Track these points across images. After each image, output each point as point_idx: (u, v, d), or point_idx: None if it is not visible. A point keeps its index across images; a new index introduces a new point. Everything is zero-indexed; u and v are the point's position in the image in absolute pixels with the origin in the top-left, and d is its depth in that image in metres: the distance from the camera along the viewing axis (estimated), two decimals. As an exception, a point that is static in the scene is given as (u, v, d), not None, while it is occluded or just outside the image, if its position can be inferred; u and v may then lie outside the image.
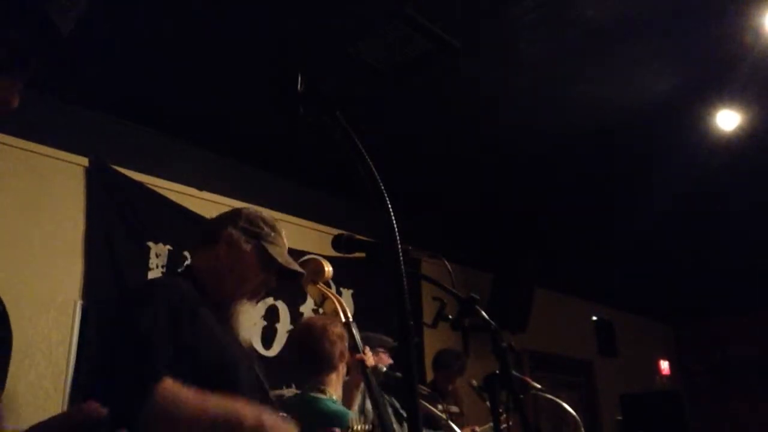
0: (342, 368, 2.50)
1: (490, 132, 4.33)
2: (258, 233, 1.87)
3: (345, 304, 2.61)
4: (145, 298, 1.64)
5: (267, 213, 1.96)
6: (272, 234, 1.90)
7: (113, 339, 1.65)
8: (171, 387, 1.44)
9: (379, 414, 2.38)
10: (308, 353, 2.46)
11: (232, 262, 1.82)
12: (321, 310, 2.72)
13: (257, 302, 1.92)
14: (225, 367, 1.65)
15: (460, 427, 3.25)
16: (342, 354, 2.47)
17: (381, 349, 3.29)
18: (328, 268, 2.64)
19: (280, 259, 1.86)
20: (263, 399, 1.75)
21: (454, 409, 4.03)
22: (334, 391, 2.45)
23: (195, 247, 1.94)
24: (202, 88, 3.65)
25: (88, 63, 3.30)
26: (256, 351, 1.82)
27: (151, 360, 1.48)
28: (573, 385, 7.35)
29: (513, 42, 3.37)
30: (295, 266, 1.91)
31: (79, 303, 3.42)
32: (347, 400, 2.56)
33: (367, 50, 3.35)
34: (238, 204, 4.30)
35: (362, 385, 2.62)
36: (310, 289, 2.67)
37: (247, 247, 1.84)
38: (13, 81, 0.92)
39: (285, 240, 1.95)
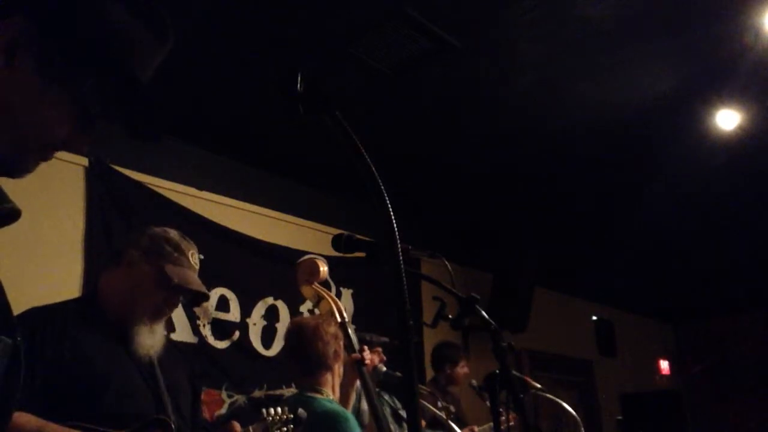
0: (338, 368, 2.49)
1: (490, 132, 4.33)
2: (159, 254, 1.90)
3: (341, 304, 2.62)
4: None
5: (175, 233, 1.99)
6: (175, 254, 1.92)
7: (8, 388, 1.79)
8: (17, 421, 1.47)
9: (375, 414, 2.38)
10: (301, 354, 2.45)
11: (131, 283, 1.87)
12: (317, 311, 2.72)
13: (162, 321, 1.96)
14: (91, 386, 1.71)
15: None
16: (336, 354, 2.45)
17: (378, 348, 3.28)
18: (323, 269, 2.64)
19: (176, 279, 1.88)
20: (156, 405, 1.81)
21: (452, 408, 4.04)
22: (331, 391, 2.44)
23: (105, 268, 1.99)
24: (202, 88, 3.65)
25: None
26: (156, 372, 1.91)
27: None
28: (573, 385, 7.35)
29: (513, 42, 3.37)
30: (195, 286, 1.93)
31: (79, 303, 3.41)
32: (342, 400, 2.55)
33: (367, 50, 3.35)
34: (238, 204, 4.31)
35: (357, 384, 2.62)
36: (305, 289, 2.67)
37: (146, 267, 1.88)
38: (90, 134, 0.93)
39: (193, 259, 1.97)
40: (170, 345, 2.04)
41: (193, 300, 2.15)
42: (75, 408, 1.66)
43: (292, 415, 1.87)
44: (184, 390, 1.99)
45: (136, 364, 1.84)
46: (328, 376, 2.44)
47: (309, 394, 2.39)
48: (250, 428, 1.84)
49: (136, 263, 1.89)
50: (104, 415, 1.69)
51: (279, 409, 1.86)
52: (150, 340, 1.88)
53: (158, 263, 1.89)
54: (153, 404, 1.81)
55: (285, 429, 1.85)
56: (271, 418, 1.83)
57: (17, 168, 0.87)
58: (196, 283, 1.95)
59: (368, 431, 2.80)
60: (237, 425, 1.78)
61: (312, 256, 2.74)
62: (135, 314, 1.87)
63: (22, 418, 1.52)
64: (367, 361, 2.49)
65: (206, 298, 2.06)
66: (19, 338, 0.85)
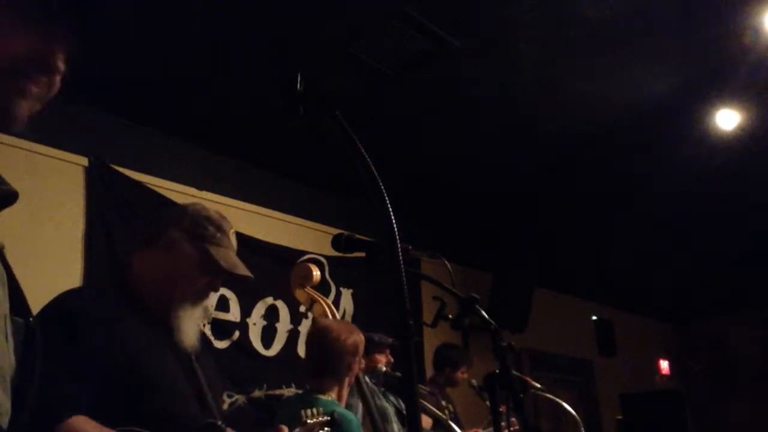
0: (348, 381, 2.50)
1: (489, 132, 4.33)
2: (202, 235, 1.76)
3: (333, 308, 2.65)
4: (50, 325, 1.51)
5: (214, 211, 1.85)
6: (218, 235, 1.79)
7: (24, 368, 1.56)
8: (74, 427, 1.40)
9: (370, 414, 2.39)
10: (317, 359, 2.48)
11: (173, 266, 1.73)
12: (311, 314, 2.75)
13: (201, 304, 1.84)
14: (142, 385, 1.58)
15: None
16: (350, 368, 2.47)
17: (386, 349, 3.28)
18: (316, 273, 2.67)
19: (224, 264, 1.76)
20: (201, 407, 1.69)
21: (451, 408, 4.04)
22: (336, 396, 2.46)
23: (136, 250, 1.83)
24: (202, 88, 3.65)
25: (88, 63, 3.30)
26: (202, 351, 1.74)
27: (56, 399, 1.41)
28: (573, 385, 7.34)
29: (513, 42, 3.37)
30: (241, 270, 1.81)
31: (79, 303, 3.41)
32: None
33: (367, 50, 3.35)
34: (238, 204, 4.31)
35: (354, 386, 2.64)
36: (298, 293, 2.71)
37: (190, 249, 1.74)
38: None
39: (233, 238, 1.84)
40: (202, 335, 1.88)
41: (237, 280, 1.96)
42: (124, 408, 1.52)
43: (328, 417, 1.79)
44: (218, 389, 1.85)
45: (178, 357, 1.70)
46: (336, 386, 2.46)
47: (314, 394, 2.40)
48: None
49: (178, 245, 1.74)
50: (155, 418, 1.54)
51: (314, 410, 1.77)
52: (192, 328, 1.75)
53: (202, 245, 1.75)
54: (197, 405, 1.69)
55: (326, 430, 1.77)
56: (311, 421, 1.70)
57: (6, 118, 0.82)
58: (241, 266, 1.82)
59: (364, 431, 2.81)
60: (285, 428, 1.62)
61: (306, 258, 2.77)
62: (176, 299, 1.73)
63: (79, 422, 1.42)
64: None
65: (249, 280, 1.88)
66: (31, 319, 0.86)
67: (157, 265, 1.74)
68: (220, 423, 1.61)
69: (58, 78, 0.84)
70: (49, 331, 1.49)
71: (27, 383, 0.84)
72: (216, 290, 1.83)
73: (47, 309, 1.63)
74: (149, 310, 1.71)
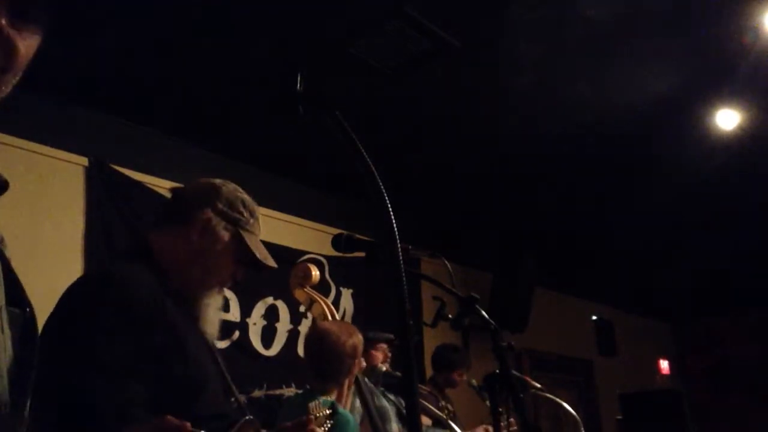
0: (347, 383, 2.51)
1: (489, 132, 4.33)
2: (237, 219, 1.64)
3: (333, 308, 2.66)
4: (99, 306, 1.40)
5: (242, 192, 1.72)
6: (251, 220, 1.67)
7: (62, 357, 1.31)
8: None
9: (369, 414, 2.40)
10: (316, 361, 2.48)
11: (205, 248, 1.59)
12: (310, 314, 2.76)
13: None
14: (195, 380, 1.47)
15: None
16: (350, 370, 2.48)
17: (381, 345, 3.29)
18: (315, 273, 2.68)
19: (258, 254, 1.65)
20: (228, 401, 1.62)
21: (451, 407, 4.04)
22: (337, 398, 2.47)
23: (159, 224, 1.67)
24: (202, 88, 3.65)
25: (88, 63, 3.30)
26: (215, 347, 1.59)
27: (112, 400, 1.29)
28: (573, 385, 7.34)
29: (513, 42, 3.37)
30: (270, 261, 1.70)
31: (79, 303, 3.41)
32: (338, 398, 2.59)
33: (367, 50, 3.35)
34: (238, 204, 4.31)
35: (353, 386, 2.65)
36: (297, 293, 2.72)
37: (225, 234, 1.61)
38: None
39: (260, 226, 1.73)
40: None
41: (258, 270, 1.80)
42: (176, 408, 1.30)
43: (329, 411, 1.79)
44: (236, 380, 1.75)
45: (208, 347, 1.60)
46: (336, 388, 2.48)
47: (315, 394, 2.41)
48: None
49: (213, 227, 1.60)
50: (202, 418, 1.37)
51: (318, 402, 1.76)
52: (216, 315, 1.65)
53: (237, 231, 1.63)
54: (227, 400, 1.60)
55: (330, 423, 1.79)
56: (318, 414, 1.68)
57: None
58: (271, 259, 1.71)
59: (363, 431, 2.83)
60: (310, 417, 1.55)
61: (306, 258, 2.77)
62: (206, 286, 1.61)
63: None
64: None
65: (269, 270, 1.75)
66: (28, 309, 0.85)
67: (188, 246, 1.59)
68: (251, 417, 1.54)
69: (13, 41, 0.76)
70: (98, 312, 1.36)
71: (26, 374, 0.84)
72: (238, 280, 1.71)
73: (91, 287, 1.49)
74: (177, 292, 1.56)
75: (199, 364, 1.51)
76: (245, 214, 1.66)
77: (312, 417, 1.63)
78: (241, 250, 1.64)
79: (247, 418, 1.53)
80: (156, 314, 1.43)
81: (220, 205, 1.63)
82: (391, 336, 3.32)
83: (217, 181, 1.72)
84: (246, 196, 1.70)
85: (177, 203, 1.70)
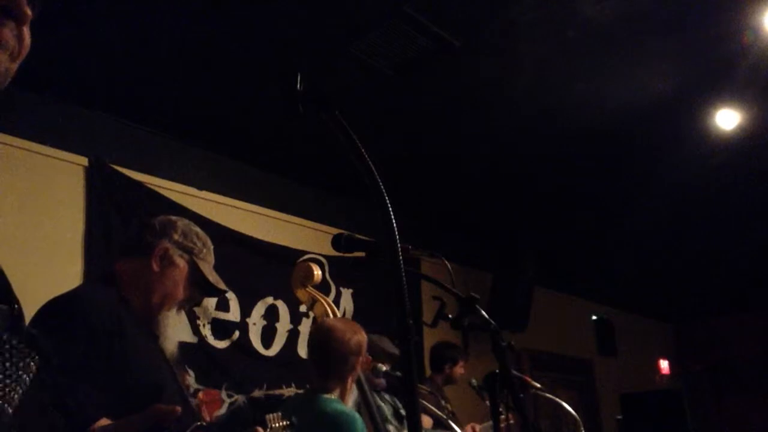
0: (350, 381, 2.50)
1: (490, 131, 4.33)
2: (191, 249, 1.90)
3: (335, 307, 2.66)
4: (65, 324, 1.60)
5: (198, 228, 1.98)
6: (204, 250, 1.93)
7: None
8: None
9: (370, 414, 2.40)
10: (320, 359, 2.48)
11: (163, 275, 1.83)
12: (311, 313, 2.76)
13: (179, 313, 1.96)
14: (154, 389, 1.64)
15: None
16: (353, 368, 2.47)
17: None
18: (317, 272, 2.68)
19: (210, 278, 1.90)
20: (186, 410, 1.71)
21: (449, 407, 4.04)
22: (339, 396, 2.47)
23: (125, 254, 1.93)
24: (202, 88, 3.65)
25: (88, 63, 3.30)
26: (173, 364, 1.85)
27: (80, 403, 1.45)
28: (573, 385, 7.34)
29: (513, 42, 3.37)
30: (221, 285, 1.96)
31: (79, 303, 3.41)
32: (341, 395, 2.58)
33: (367, 50, 3.35)
34: (238, 204, 4.31)
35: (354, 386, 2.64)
36: (299, 292, 2.72)
37: (180, 262, 1.86)
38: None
39: (211, 253, 1.98)
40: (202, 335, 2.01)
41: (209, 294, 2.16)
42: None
43: (286, 423, 1.82)
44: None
45: (164, 360, 1.81)
46: (339, 385, 2.46)
47: (317, 393, 2.41)
48: None
49: (170, 257, 1.85)
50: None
51: (276, 415, 1.81)
52: (175, 334, 1.87)
53: (191, 259, 1.88)
54: (185, 408, 1.71)
55: None
56: (276, 425, 1.77)
57: None
58: (222, 282, 1.97)
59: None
60: (260, 429, 1.71)
61: (307, 258, 2.78)
62: (162, 306, 1.84)
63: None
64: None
65: (222, 293, 2.05)
66: (16, 306, 0.86)
67: (147, 274, 1.83)
68: (205, 424, 1.67)
69: (26, 30, 0.80)
70: (58, 331, 1.54)
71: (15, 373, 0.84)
72: (195, 304, 1.96)
73: (58, 308, 1.69)
74: (139, 314, 1.80)
75: (154, 373, 1.70)
76: (198, 245, 1.92)
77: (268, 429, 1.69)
78: (195, 274, 1.89)
79: (199, 424, 1.66)
80: (112, 328, 1.63)
81: (176, 236, 1.89)
82: (394, 348, 3.31)
83: (173, 217, 2.00)
84: (199, 230, 1.96)
85: (138, 236, 1.95)
